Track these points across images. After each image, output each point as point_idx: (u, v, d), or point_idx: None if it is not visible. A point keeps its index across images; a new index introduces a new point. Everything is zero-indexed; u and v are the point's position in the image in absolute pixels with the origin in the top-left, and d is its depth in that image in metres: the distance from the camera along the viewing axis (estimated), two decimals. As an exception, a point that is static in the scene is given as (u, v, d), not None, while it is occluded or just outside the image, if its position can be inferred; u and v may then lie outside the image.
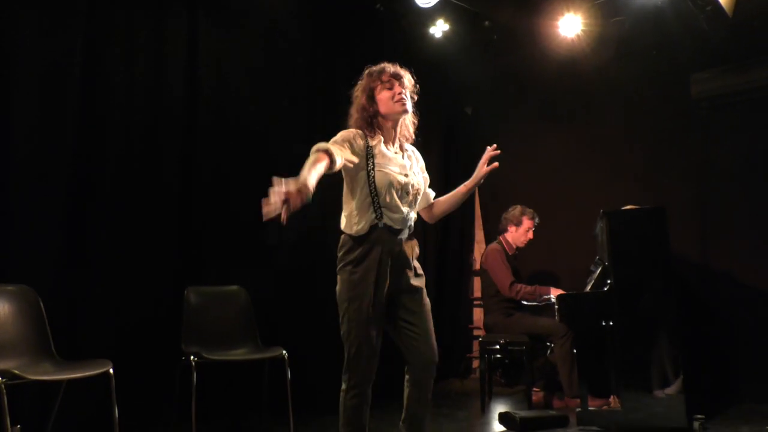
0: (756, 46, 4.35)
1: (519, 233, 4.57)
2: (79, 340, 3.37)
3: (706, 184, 4.60)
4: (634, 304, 3.61)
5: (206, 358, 3.30)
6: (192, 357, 3.29)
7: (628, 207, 3.95)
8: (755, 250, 4.36)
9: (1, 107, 3.23)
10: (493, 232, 4.99)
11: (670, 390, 3.55)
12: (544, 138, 5.45)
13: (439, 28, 5.04)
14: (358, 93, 2.54)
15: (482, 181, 2.70)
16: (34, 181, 3.31)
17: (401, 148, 2.56)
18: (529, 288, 4.34)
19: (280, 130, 4.44)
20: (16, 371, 2.53)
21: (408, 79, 2.55)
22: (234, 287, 3.88)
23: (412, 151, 2.63)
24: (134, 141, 3.75)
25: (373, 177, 2.40)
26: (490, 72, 5.59)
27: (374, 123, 2.49)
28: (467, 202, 5.93)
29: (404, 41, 5.05)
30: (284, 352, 3.45)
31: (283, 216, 1.93)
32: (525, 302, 4.43)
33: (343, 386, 2.43)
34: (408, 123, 2.60)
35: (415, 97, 2.58)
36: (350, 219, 2.46)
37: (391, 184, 2.42)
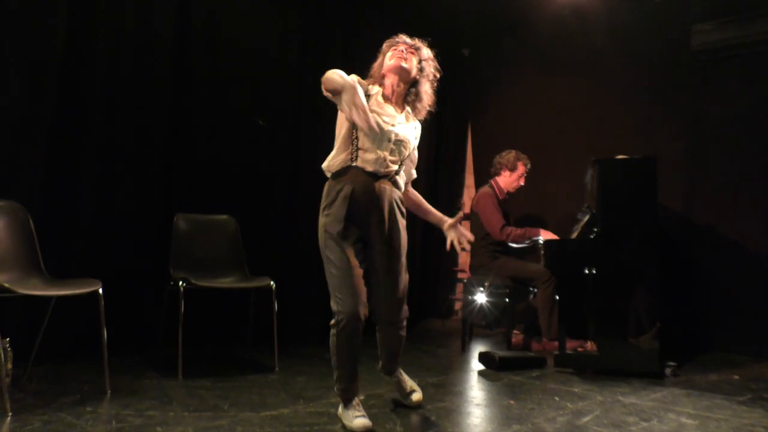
0: (759, -1, 4.30)
1: (512, 178, 4.58)
2: (69, 261, 3.39)
3: (699, 137, 4.62)
4: (618, 252, 3.67)
5: (194, 284, 3.34)
6: (180, 282, 3.32)
7: (620, 156, 3.97)
8: (738, 205, 4.42)
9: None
10: (484, 176, 5.00)
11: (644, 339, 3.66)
12: (541, 85, 5.41)
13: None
14: (377, 60, 2.74)
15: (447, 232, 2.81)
16: (24, 99, 3.26)
17: (401, 107, 2.71)
18: (519, 230, 4.39)
19: (270, 69, 4.38)
20: (6, 284, 2.54)
21: (425, 51, 2.71)
22: (223, 216, 3.90)
23: (414, 121, 2.75)
24: (124, 63, 3.67)
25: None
26: (491, 16, 5.48)
27: (381, 78, 2.69)
28: (459, 146, 5.95)
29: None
30: (272, 282, 3.49)
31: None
32: (514, 245, 4.47)
33: (332, 329, 2.50)
34: (422, 91, 2.70)
35: (437, 75, 2.74)
36: (331, 157, 2.61)
37: (367, 130, 2.50)
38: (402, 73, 2.65)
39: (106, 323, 2.82)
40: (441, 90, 2.82)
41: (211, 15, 4.09)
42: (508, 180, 4.59)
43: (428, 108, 2.74)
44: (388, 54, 2.68)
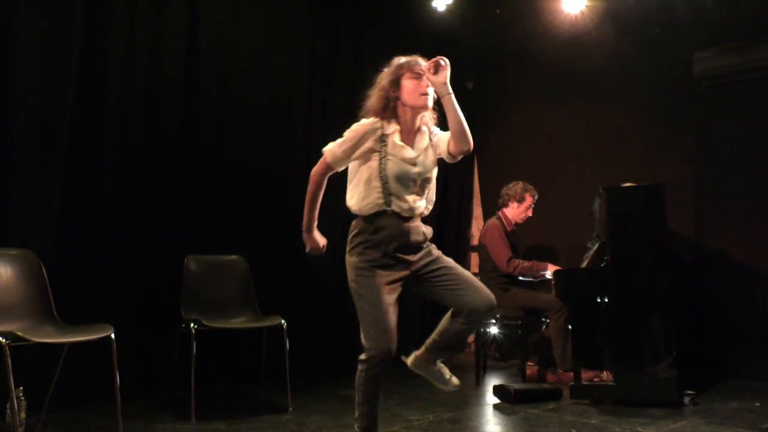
0: (759, 25, 4.33)
1: (520, 209, 4.59)
2: (81, 306, 3.41)
3: (706, 163, 4.62)
4: (629, 280, 3.65)
5: (206, 325, 3.34)
6: (192, 324, 3.33)
7: (627, 184, 3.97)
8: (749, 230, 4.40)
9: (1, 70, 3.22)
10: (492, 208, 5.01)
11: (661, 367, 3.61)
12: (545, 114, 5.45)
13: (443, 2, 4.99)
14: (383, 77, 2.58)
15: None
16: (35, 146, 3.32)
17: (417, 133, 2.59)
18: (526, 263, 4.38)
19: (281, 100, 4.43)
20: (20, 333, 2.55)
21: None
22: (233, 256, 3.91)
23: (428, 132, 2.63)
24: (135, 109, 3.73)
25: (384, 166, 2.47)
26: (492, 47, 5.56)
27: (390, 108, 2.53)
28: (466, 177, 5.97)
29: (407, 14, 5.00)
30: (283, 321, 3.48)
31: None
32: (521, 278, 4.46)
33: (362, 365, 2.45)
34: (428, 119, 2.61)
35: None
36: (358, 199, 2.52)
37: (399, 174, 2.48)
38: (426, 111, 2.57)
39: (118, 367, 2.82)
40: (444, 122, 2.77)
41: (221, 61, 4.15)
42: (515, 211, 4.60)
43: (434, 120, 2.64)
44: (409, 83, 2.52)
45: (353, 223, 2.57)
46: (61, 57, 3.41)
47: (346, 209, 2.58)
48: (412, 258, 2.52)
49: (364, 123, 2.51)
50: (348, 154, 2.49)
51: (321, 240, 2.60)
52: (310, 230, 2.59)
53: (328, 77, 4.66)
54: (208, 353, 3.64)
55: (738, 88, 4.47)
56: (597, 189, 4.01)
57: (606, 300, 3.69)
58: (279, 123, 4.41)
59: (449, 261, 2.59)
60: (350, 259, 2.52)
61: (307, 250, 2.61)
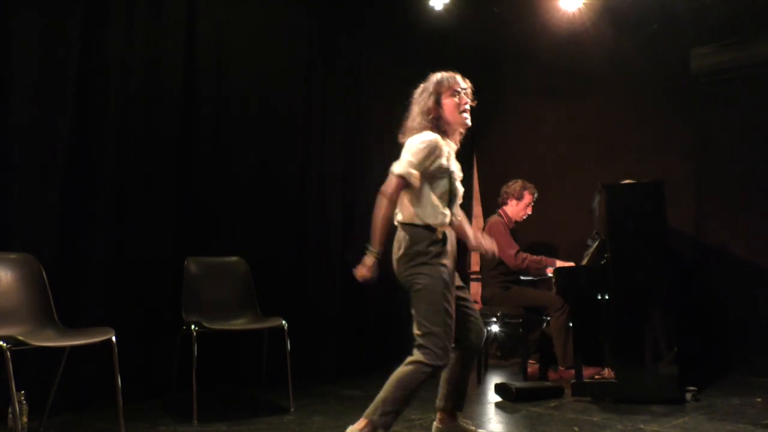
0: (756, 21, 4.33)
1: (519, 207, 4.59)
2: (82, 310, 3.40)
3: (705, 159, 4.62)
4: (629, 277, 3.65)
5: (207, 327, 3.33)
6: (193, 326, 3.32)
7: (627, 181, 3.97)
8: (749, 226, 4.40)
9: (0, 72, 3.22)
10: (491, 207, 5.01)
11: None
12: (544, 112, 5.45)
13: (440, 1, 4.99)
14: (424, 95, 2.66)
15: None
16: (34, 149, 3.31)
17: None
18: (536, 257, 4.38)
19: (279, 101, 4.43)
20: (21, 337, 2.56)
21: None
22: (234, 258, 3.91)
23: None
24: (134, 111, 3.72)
25: (452, 182, 2.62)
26: (490, 46, 5.56)
27: (438, 126, 2.63)
28: (465, 176, 5.97)
29: (405, 13, 5.00)
30: (284, 322, 3.48)
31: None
32: (523, 277, 4.46)
33: (419, 367, 2.48)
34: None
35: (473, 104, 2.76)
36: (426, 212, 2.57)
37: (459, 193, 2.67)
38: (467, 126, 2.71)
39: (119, 370, 2.81)
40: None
41: (220, 63, 4.14)
42: (515, 209, 4.60)
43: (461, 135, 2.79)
44: (449, 101, 2.64)
45: (418, 232, 2.57)
46: (60, 58, 3.39)
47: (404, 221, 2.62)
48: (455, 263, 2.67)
49: (435, 138, 2.57)
50: (424, 167, 2.54)
51: (377, 271, 2.49)
52: (378, 256, 2.48)
53: (326, 78, 4.66)
54: (209, 355, 3.63)
55: (736, 84, 4.48)
56: (597, 186, 4.01)
57: (607, 297, 3.69)
58: (278, 124, 4.41)
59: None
60: (434, 269, 2.53)
61: (361, 274, 2.47)
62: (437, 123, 2.62)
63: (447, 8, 5.02)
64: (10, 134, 3.24)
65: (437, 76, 2.68)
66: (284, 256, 4.34)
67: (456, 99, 2.63)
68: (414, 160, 2.52)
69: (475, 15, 5.19)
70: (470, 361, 2.80)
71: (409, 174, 2.51)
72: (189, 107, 3.99)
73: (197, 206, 3.98)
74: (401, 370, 2.49)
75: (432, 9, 5.02)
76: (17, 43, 3.27)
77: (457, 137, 2.74)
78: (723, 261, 4.49)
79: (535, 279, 4.53)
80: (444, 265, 2.55)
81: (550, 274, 4.25)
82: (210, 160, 4.06)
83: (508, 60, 5.71)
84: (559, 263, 4.29)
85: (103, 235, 3.55)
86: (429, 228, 2.57)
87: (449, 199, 2.62)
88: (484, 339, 2.81)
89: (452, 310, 2.53)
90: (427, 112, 2.62)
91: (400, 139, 2.67)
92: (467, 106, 2.65)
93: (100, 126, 3.57)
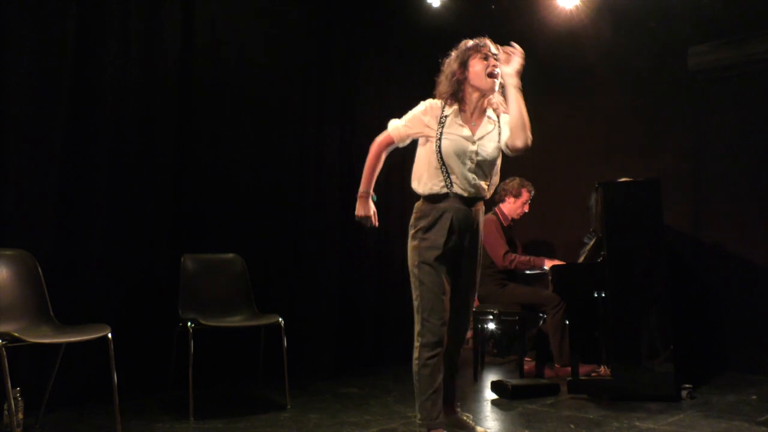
0: (753, 19, 4.34)
1: (516, 205, 4.59)
2: (78, 306, 3.39)
3: (701, 157, 4.63)
4: (626, 275, 3.65)
5: (203, 324, 3.33)
6: (189, 323, 3.32)
7: (623, 179, 3.98)
8: (746, 224, 4.41)
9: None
10: (489, 204, 5.00)
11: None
12: (541, 109, 5.40)
13: (437, -2, 4.99)
14: (451, 61, 2.61)
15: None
16: (29, 146, 3.30)
17: (481, 115, 2.62)
18: (523, 258, 4.38)
19: (276, 98, 4.42)
20: (16, 334, 2.55)
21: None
22: (230, 255, 3.90)
23: (496, 118, 2.66)
24: (129, 105, 3.72)
25: (439, 144, 2.51)
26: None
27: (459, 90, 2.57)
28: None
29: (402, 9, 5.00)
30: (280, 319, 3.48)
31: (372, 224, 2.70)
32: (519, 271, 4.45)
33: (416, 354, 2.47)
34: (498, 104, 2.64)
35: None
36: (421, 181, 2.58)
37: (455, 152, 2.52)
38: (493, 93, 2.58)
39: (116, 367, 2.81)
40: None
41: (216, 60, 4.14)
42: (512, 207, 4.60)
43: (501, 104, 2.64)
44: (478, 64, 2.53)
45: (416, 205, 2.59)
46: (55, 55, 3.39)
47: (412, 193, 2.64)
48: (466, 242, 2.57)
49: (428, 101, 2.58)
50: (409, 129, 2.56)
51: (372, 208, 2.69)
52: (365, 196, 2.66)
53: (323, 74, 4.65)
54: (205, 352, 3.64)
55: (733, 82, 4.48)
56: (593, 184, 4.02)
57: (603, 295, 3.69)
58: (275, 120, 4.40)
59: (474, 264, 2.66)
60: (415, 243, 2.53)
61: (357, 214, 2.66)
62: (459, 86, 2.56)
63: (444, 5, 5.02)
64: (5, 129, 3.23)
65: (467, 41, 2.63)
66: (281, 253, 4.34)
67: (483, 63, 2.54)
68: (403, 117, 2.60)
69: (472, 12, 5.18)
70: (454, 349, 2.70)
71: (395, 129, 2.59)
72: (185, 104, 3.98)
73: (194, 203, 3.97)
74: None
75: (429, 6, 5.01)
76: (12, 39, 3.25)
77: (493, 104, 2.62)
78: (719, 258, 4.50)
79: (531, 274, 4.52)
80: (426, 240, 2.51)
81: (547, 268, 4.24)
82: (206, 158, 4.06)
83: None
84: (548, 261, 4.29)
85: (99, 231, 3.54)
86: (425, 199, 2.58)
87: (447, 162, 2.51)
88: (461, 340, 2.71)
89: (435, 282, 2.47)
90: (451, 74, 2.58)
91: None
92: (497, 71, 2.51)
93: (96, 122, 3.56)
